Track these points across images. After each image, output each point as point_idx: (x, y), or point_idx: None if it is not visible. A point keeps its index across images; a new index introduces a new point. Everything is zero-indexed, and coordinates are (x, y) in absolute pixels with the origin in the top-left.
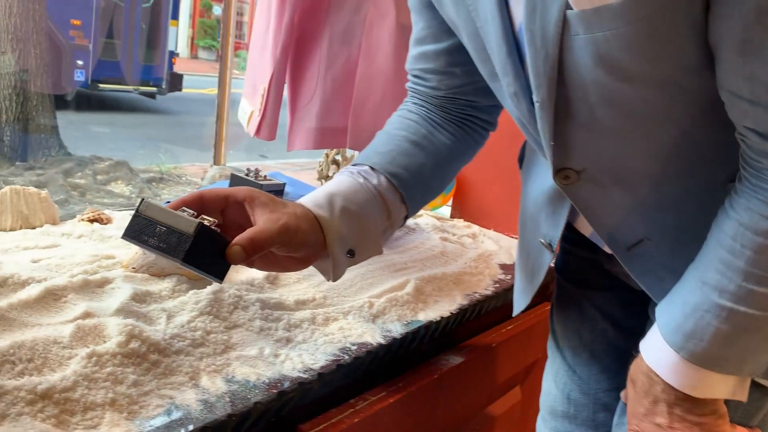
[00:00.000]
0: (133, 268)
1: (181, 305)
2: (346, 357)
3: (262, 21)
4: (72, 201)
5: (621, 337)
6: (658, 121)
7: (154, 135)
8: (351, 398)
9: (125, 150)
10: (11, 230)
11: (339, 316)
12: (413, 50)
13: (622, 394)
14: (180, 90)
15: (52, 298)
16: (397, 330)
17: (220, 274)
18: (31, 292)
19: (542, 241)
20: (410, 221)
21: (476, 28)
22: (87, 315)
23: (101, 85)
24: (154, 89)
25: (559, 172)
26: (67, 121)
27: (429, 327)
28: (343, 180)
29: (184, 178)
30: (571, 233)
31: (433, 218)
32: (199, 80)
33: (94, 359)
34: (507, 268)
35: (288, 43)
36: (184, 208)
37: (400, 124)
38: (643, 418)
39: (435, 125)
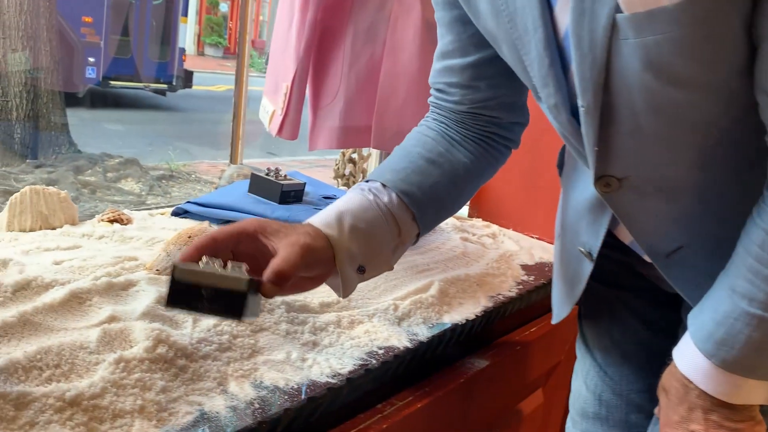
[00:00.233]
0: (157, 270)
1: None
2: (374, 361)
3: (284, 20)
4: (82, 198)
5: (653, 337)
6: (704, 126)
7: (165, 132)
8: (378, 403)
9: (135, 147)
10: (31, 231)
11: (364, 318)
12: (438, 64)
13: (657, 410)
14: (191, 87)
15: (76, 301)
16: (423, 333)
17: (257, 312)
18: (56, 295)
19: (582, 249)
20: None
21: (513, 39)
22: (112, 319)
23: (112, 83)
24: (165, 86)
25: (600, 179)
26: (79, 118)
27: (455, 330)
28: (353, 197)
29: (193, 176)
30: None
31: (452, 218)
32: (206, 77)
33: (121, 365)
34: (529, 269)
35: (311, 41)
36: (206, 258)
37: (417, 141)
38: (677, 426)
39: (453, 143)
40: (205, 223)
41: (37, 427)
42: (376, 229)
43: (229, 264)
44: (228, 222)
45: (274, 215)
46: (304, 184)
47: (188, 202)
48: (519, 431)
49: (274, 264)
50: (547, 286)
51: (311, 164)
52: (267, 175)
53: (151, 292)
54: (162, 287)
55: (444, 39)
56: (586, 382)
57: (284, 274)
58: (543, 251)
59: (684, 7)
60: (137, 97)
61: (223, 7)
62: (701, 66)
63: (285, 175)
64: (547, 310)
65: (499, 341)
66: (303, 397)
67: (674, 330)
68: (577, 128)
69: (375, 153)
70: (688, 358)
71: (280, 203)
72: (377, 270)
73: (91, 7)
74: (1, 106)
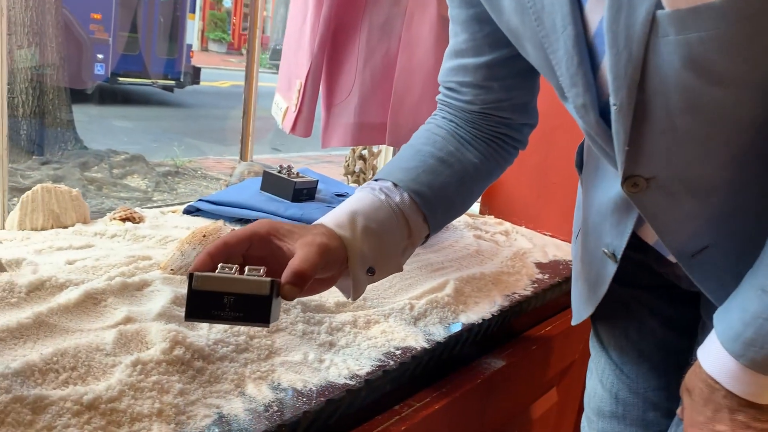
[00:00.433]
0: (171, 269)
1: None
2: (392, 362)
3: (297, 15)
4: (89, 195)
5: (670, 335)
6: (742, 125)
7: (172, 128)
8: (395, 404)
9: (141, 143)
10: (42, 229)
11: (380, 318)
12: (449, 62)
13: (679, 410)
14: (198, 83)
15: (91, 302)
16: (439, 333)
17: (278, 315)
18: (70, 295)
19: (605, 251)
20: None
21: (539, 37)
22: (128, 320)
23: (121, 79)
24: (173, 82)
25: (628, 179)
26: (87, 115)
27: (471, 330)
28: (364, 197)
29: (199, 172)
30: None
31: (465, 215)
32: (211, 73)
33: (138, 367)
34: (543, 267)
35: (325, 36)
36: (221, 264)
37: (427, 139)
38: (702, 427)
39: (463, 142)
40: (220, 222)
41: None
42: (388, 230)
43: (246, 268)
44: (241, 220)
45: (287, 213)
46: (317, 181)
47: (200, 200)
48: (533, 431)
49: (294, 264)
50: (562, 284)
51: (317, 160)
52: (279, 172)
53: (166, 292)
54: (177, 287)
55: (458, 37)
56: (601, 380)
57: (304, 274)
58: (556, 249)
59: (732, 4)
60: (145, 94)
61: (227, 3)
62: (745, 63)
63: (297, 173)
64: (563, 307)
65: (513, 341)
66: (322, 399)
67: (692, 328)
68: (606, 128)
69: (385, 149)
70: (714, 358)
71: (292, 201)
72: (386, 272)
73: (100, 3)
74: (8, 102)
